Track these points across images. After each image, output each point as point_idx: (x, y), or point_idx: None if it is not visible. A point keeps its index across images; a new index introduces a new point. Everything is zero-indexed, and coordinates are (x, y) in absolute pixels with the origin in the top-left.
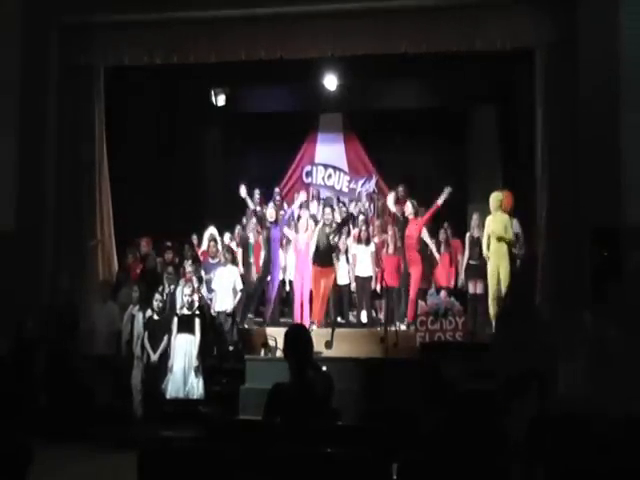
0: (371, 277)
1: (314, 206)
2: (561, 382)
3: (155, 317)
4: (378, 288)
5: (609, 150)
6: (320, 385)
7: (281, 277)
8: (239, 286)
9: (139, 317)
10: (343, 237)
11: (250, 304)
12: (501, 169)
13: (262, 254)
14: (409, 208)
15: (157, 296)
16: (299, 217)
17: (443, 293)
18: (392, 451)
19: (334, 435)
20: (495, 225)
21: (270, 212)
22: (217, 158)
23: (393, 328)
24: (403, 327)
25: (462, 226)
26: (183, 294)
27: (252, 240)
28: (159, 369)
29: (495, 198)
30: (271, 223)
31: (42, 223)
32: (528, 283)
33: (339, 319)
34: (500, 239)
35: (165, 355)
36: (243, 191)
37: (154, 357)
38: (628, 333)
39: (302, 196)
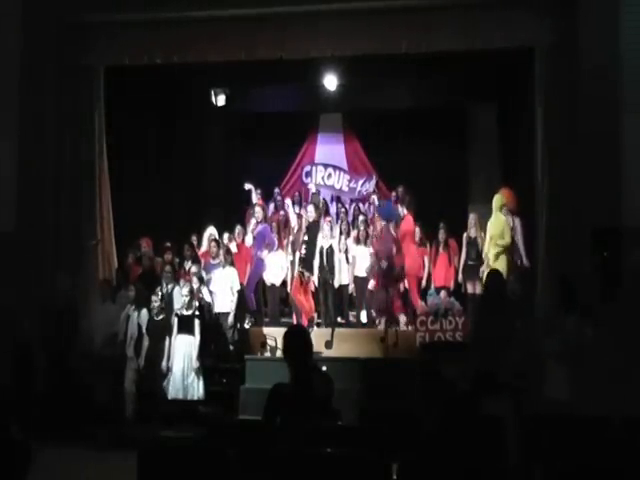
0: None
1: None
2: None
3: (155, 318)
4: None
5: (609, 150)
6: (320, 385)
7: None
8: (236, 287)
9: (134, 317)
10: (342, 237)
11: None
12: (501, 169)
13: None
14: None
15: (153, 297)
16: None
17: (443, 293)
18: (392, 451)
19: (334, 435)
20: (494, 228)
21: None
22: (217, 158)
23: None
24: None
25: (461, 226)
26: (182, 294)
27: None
28: (152, 370)
29: (496, 201)
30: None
31: (42, 223)
32: (502, 281)
33: (339, 319)
34: (498, 243)
35: (153, 356)
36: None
37: (140, 359)
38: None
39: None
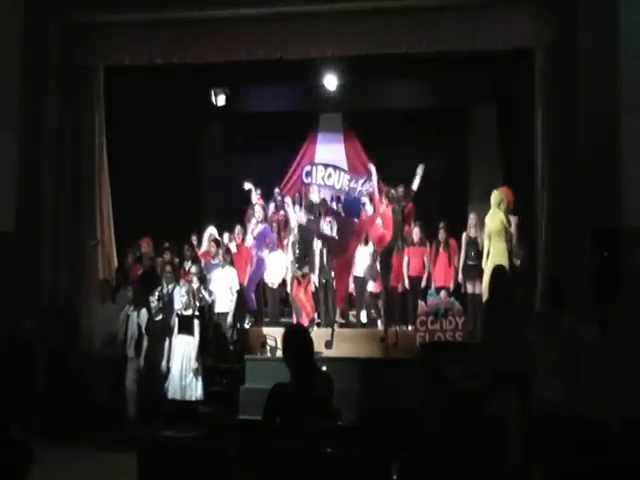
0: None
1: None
2: (539, 383)
3: (154, 318)
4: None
5: (609, 150)
6: (320, 385)
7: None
8: (236, 287)
9: (133, 317)
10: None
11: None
12: (501, 169)
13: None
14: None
15: (151, 297)
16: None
17: (443, 293)
18: (392, 451)
19: (334, 435)
20: (492, 224)
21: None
22: (217, 158)
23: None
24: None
25: (461, 226)
26: (181, 294)
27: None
28: (152, 370)
29: (495, 197)
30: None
31: (42, 223)
32: (507, 277)
33: (339, 319)
34: (497, 238)
35: (153, 357)
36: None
37: (140, 360)
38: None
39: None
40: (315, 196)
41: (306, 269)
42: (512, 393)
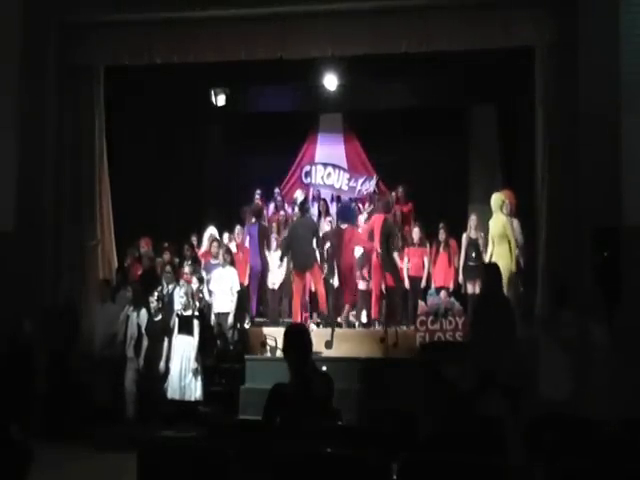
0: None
1: (315, 207)
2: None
3: (154, 318)
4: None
5: (609, 150)
6: (320, 385)
7: None
8: (236, 287)
9: (133, 318)
10: None
11: None
12: (501, 169)
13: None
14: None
15: (151, 297)
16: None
17: (443, 293)
18: (392, 451)
19: (334, 435)
20: (495, 228)
21: None
22: (217, 158)
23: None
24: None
25: (461, 226)
26: (179, 295)
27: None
28: (152, 370)
29: (496, 200)
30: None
31: (42, 223)
32: (500, 274)
33: (339, 319)
34: (500, 241)
35: (153, 357)
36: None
37: (140, 360)
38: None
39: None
40: (300, 194)
41: (285, 267)
42: (506, 391)
